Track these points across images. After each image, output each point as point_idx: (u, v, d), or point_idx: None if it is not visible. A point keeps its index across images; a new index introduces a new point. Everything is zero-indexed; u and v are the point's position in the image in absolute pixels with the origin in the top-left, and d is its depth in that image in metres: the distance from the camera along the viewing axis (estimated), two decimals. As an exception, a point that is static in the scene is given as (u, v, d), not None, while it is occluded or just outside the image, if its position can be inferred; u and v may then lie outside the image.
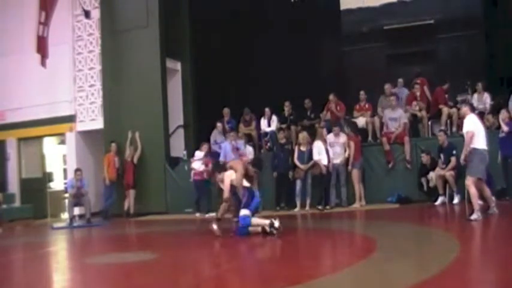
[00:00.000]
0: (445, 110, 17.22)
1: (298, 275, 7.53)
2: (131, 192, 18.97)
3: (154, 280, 7.83)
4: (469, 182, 11.50)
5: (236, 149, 16.38)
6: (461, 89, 18.50)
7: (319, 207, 16.13)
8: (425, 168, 16.03)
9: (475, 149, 11.50)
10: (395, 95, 17.98)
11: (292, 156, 17.18)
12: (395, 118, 17.22)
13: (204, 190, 18.10)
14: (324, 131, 17.37)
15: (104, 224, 17.88)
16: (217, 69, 20.97)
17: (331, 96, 18.65)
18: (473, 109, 12.92)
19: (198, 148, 18.56)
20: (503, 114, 15.18)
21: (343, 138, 16.88)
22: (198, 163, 18.04)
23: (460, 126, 15.96)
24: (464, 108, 12.30)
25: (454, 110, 17.06)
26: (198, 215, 17.85)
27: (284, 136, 17.87)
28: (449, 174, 15.12)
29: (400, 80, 19.16)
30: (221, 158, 16.22)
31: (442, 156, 15.65)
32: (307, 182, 16.77)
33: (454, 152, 14.73)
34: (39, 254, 11.91)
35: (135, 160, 19.12)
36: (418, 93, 17.85)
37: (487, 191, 11.95)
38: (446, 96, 17.99)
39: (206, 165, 17.93)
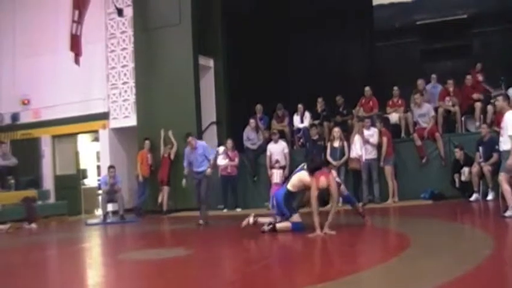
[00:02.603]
0: (478, 104, 17.08)
1: (332, 272, 7.54)
2: (165, 189, 19.06)
3: (187, 276, 7.86)
4: (502, 178, 11.34)
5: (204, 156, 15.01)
6: (495, 84, 18.32)
7: (360, 204, 16.09)
8: (459, 164, 15.87)
9: None
10: (421, 92, 17.83)
11: (325, 152, 17.16)
12: (423, 114, 17.14)
13: (230, 185, 18.27)
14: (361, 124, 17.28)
15: (137, 220, 18.00)
16: (250, 65, 20.99)
17: (367, 88, 18.66)
18: (509, 98, 12.44)
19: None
20: None
21: (372, 131, 16.84)
22: (220, 158, 18.17)
23: (494, 122, 15.83)
24: (503, 103, 11.80)
25: (489, 106, 16.84)
26: (225, 210, 18.03)
27: (317, 132, 17.83)
28: (487, 169, 14.93)
29: (434, 76, 19.01)
30: (184, 164, 15.28)
31: (481, 149, 15.46)
32: (340, 178, 16.75)
33: (497, 147, 13.57)
34: (74, 250, 12.01)
35: (172, 156, 19.17)
36: (451, 89, 17.72)
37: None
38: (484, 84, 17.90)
39: (231, 160, 18.11)
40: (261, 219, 11.90)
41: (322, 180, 10.98)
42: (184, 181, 15.31)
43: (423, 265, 7.34)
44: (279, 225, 11.62)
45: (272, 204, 13.22)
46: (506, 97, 12.14)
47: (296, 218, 11.52)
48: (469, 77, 17.89)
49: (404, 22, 23.48)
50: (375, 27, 24.00)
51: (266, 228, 11.63)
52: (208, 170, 14.58)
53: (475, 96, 17.45)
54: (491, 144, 14.71)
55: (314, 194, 10.85)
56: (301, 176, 11.47)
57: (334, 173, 11.96)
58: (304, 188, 11.52)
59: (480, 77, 18.05)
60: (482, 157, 15.29)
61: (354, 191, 16.49)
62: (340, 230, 11.00)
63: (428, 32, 22.85)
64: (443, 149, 16.73)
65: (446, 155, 16.72)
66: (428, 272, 6.91)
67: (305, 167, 11.62)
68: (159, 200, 19.16)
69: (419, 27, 23.09)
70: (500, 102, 11.92)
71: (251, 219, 11.88)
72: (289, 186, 11.61)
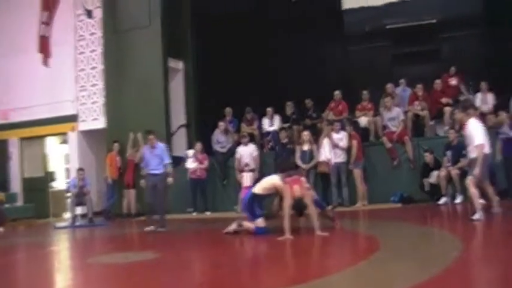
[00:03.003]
0: (447, 109, 17.20)
1: (301, 275, 7.53)
2: (131, 192, 18.95)
3: (155, 280, 7.82)
4: (470, 182, 11.44)
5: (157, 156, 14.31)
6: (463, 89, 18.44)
7: (329, 207, 15.99)
8: (428, 168, 15.97)
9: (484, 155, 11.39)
10: (391, 95, 17.97)
11: (294, 155, 17.16)
12: (393, 117, 17.28)
13: (199, 188, 18.25)
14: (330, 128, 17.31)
15: (105, 223, 17.89)
16: (220, 68, 20.93)
17: (336, 92, 18.74)
18: (467, 108, 12.60)
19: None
20: (502, 116, 15.16)
21: (342, 135, 16.94)
22: (189, 161, 18.17)
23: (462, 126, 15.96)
24: (460, 115, 12.01)
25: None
26: (194, 214, 17.99)
27: (286, 135, 17.86)
28: (455, 172, 15.06)
29: (402, 81, 19.13)
30: (142, 165, 15.00)
31: (448, 154, 15.59)
32: (309, 181, 16.74)
33: (464, 152, 13.55)
34: (42, 254, 11.90)
35: (137, 160, 19.06)
36: (420, 93, 17.84)
37: (490, 190, 11.85)
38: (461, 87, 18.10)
39: (201, 163, 18.08)
40: (245, 223, 11.89)
41: (297, 189, 11.00)
42: (142, 181, 15.15)
43: (392, 268, 7.36)
44: (245, 223, 11.71)
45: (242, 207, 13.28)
46: (464, 108, 12.23)
47: (260, 222, 11.51)
48: (438, 81, 18.02)
49: (374, 26, 23.54)
50: (345, 31, 24.04)
51: (231, 229, 11.70)
52: (170, 180, 14.36)
53: (444, 100, 17.56)
54: (459, 149, 14.80)
55: (288, 203, 10.86)
56: (273, 179, 11.48)
57: (303, 179, 11.94)
58: (276, 192, 11.52)
59: (454, 81, 18.14)
60: (451, 161, 15.43)
61: (323, 194, 16.52)
62: (310, 233, 11.00)
63: (398, 37, 22.94)
64: (412, 152, 16.84)
65: (415, 159, 16.82)
66: (397, 275, 6.92)
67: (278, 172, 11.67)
68: (124, 204, 19.02)
69: (389, 32, 23.16)
70: (458, 115, 12.09)
71: (235, 226, 11.91)
72: (256, 189, 11.61)
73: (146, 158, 14.42)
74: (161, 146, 14.51)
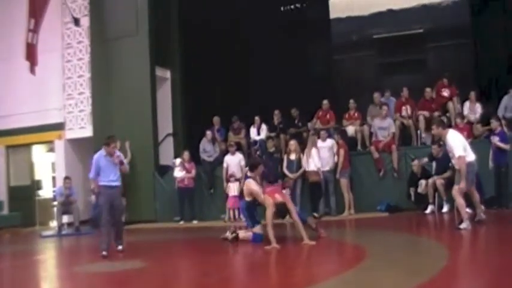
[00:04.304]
0: (421, 118, 17.19)
1: (288, 284, 7.53)
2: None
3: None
4: (456, 193, 11.46)
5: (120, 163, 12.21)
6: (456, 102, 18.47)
7: (315, 214, 15.95)
8: (416, 177, 15.97)
9: (467, 163, 11.42)
10: (386, 104, 17.96)
11: (281, 165, 17.14)
12: (384, 127, 17.24)
13: (187, 197, 18.20)
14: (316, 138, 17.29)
15: (92, 232, 17.80)
16: (207, 77, 20.95)
17: (325, 101, 18.74)
18: (443, 123, 12.65)
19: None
20: (493, 124, 15.23)
21: (330, 143, 16.97)
22: (177, 170, 18.12)
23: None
24: (437, 130, 11.91)
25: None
26: (181, 223, 17.95)
27: (273, 145, 17.84)
28: (439, 182, 15.08)
29: (387, 94, 19.06)
30: (91, 175, 12.29)
31: (434, 164, 15.69)
32: (296, 191, 16.71)
33: (450, 164, 13.40)
34: (28, 262, 11.87)
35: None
36: (406, 96, 17.86)
37: (477, 197, 11.89)
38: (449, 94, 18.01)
39: (188, 172, 18.02)
40: (242, 234, 11.95)
41: (278, 197, 11.09)
42: (93, 197, 14.61)
43: (379, 277, 7.37)
44: (241, 235, 11.78)
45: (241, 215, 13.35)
46: (439, 123, 12.24)
47: (258, 229, 11.57)
48: (428, 89, 17.91)
49: (361, 36, 23.62)
50: (332, 40, 24.10)
51: (229, 236, 11.74)
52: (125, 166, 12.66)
53: (424, 114, 17.46)
54: (445, 159, 14.76)
55: (270, 211, 10.91)
56: (248, 184, 11.61)
57: (284, 191, 12.05)
58: (255, 199, 11.57)
59: (445, 93, 18.02)
60: (435, 171, 15.47)
61: (313, 203, 16.47)
62: (296, 242, 11.01)
63: (384, 46, 23.01)
64: (398, 161, 16.83)
65: (400, 168, 16.83)
66: (384, 284, 6.94)
67: (248, 173, 11.74)
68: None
69: (376, 41, 23.24)
70: (435, 130, 12.04)
71: (229, 235, 11.96)
72: (245, 196, 11.67)
73: (101, 167, 12.01)
74: (119, 154, 12.52)
